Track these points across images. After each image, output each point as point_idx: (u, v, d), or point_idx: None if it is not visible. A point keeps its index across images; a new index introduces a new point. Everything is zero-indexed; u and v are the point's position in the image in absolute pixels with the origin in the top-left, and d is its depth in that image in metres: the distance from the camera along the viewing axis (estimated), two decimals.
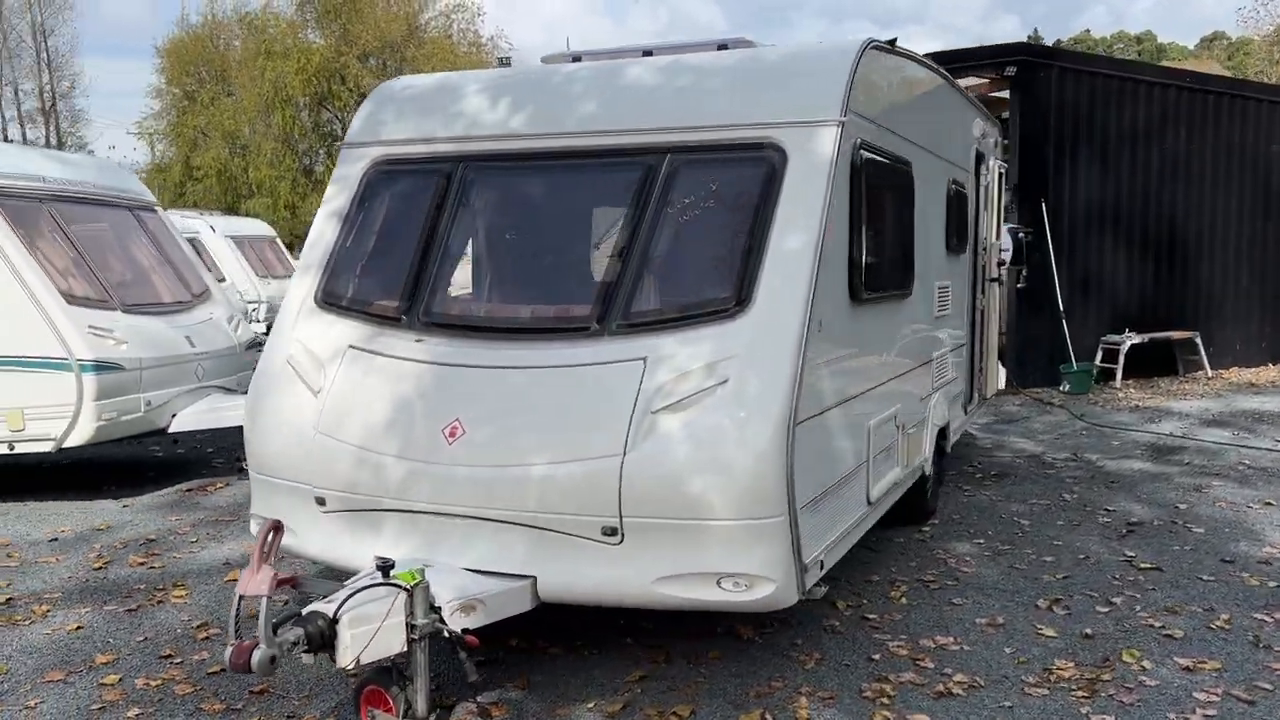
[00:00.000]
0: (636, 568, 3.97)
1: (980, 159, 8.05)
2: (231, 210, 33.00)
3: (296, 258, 14.65)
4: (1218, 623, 5.07)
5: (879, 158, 5.03)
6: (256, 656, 3.24)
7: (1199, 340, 13.22)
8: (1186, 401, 11.72)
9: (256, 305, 18.35)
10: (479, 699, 4.23)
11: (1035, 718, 4.10)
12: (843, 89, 4.44)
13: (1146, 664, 4.60)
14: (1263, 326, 14.30)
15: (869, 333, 5.01)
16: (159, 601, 5.37)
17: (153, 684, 4.33)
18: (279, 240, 23.25)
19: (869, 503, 5.08)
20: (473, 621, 3.84)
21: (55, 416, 7.32)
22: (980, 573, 5.85)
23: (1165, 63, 47.28)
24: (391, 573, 3.65)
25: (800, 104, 4.46)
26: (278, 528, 3.43)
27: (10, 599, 5.45)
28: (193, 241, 15.53)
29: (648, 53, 5.24)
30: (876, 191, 5.02)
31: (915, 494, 6.48)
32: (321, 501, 4.44)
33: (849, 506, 4.79)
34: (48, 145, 44.23)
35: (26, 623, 5.09)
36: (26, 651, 4.73)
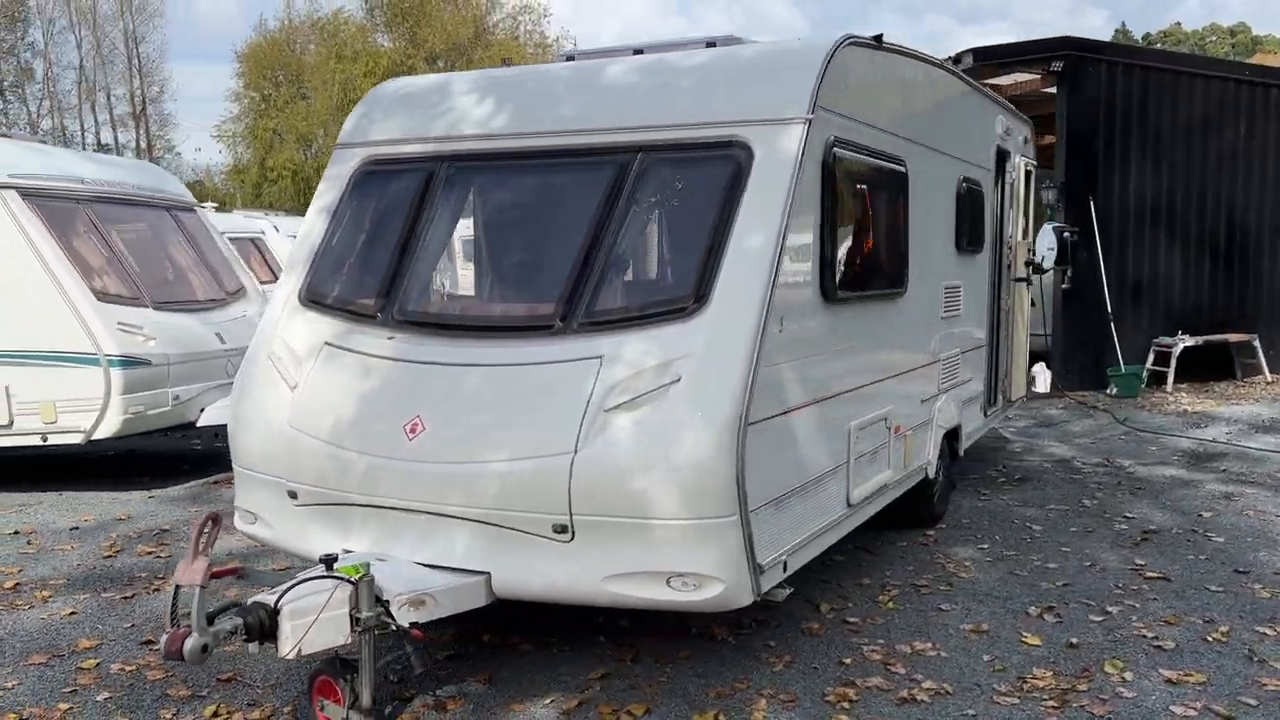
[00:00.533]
0: (587, 565, 3.97)
1: (1004, 157, 7.88)
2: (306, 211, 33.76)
3: None
4: (1215, 635, 4.90)
5: (861, 155, 4.96)
6: (188, 645, 3.33)
7: (1257, 343, 12.76)
8: (1239, 406, 11.32)
9: None
10: (438, 692, 4.28)
11: None
12: (810, 87, 4.39)
13: (1128, 675, 4.47)
14: None
15: (848, 333, 4.94)
16: (155, 590, 5.53)
17: (128, 669, 4.47)
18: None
19: (850, 505, 5.01)
20: (422, 616, 3.88)
21: (84, 410, 7.59)
22: (977, 578, 5.74)
23: (1260, 55, 45.43)
24: (336, 566, 3.71)
25: (767, 102, 4.42)
26: (215, 520, 3.51)
27: (18, 584, 5.67)
28: (255, 241, 15.97)
29: (639, 51, 5.25)
30: (857, 190, 4.95)
31: (917, 497, 6.38)
32: (294, 495, 4.52)
33: (823, 508, 4.73)
34: (137, 148, 45.89)
35: (26, 607, 5.29)
36: (17, 634, 4.91)
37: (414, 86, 5.43)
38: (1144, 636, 4.89)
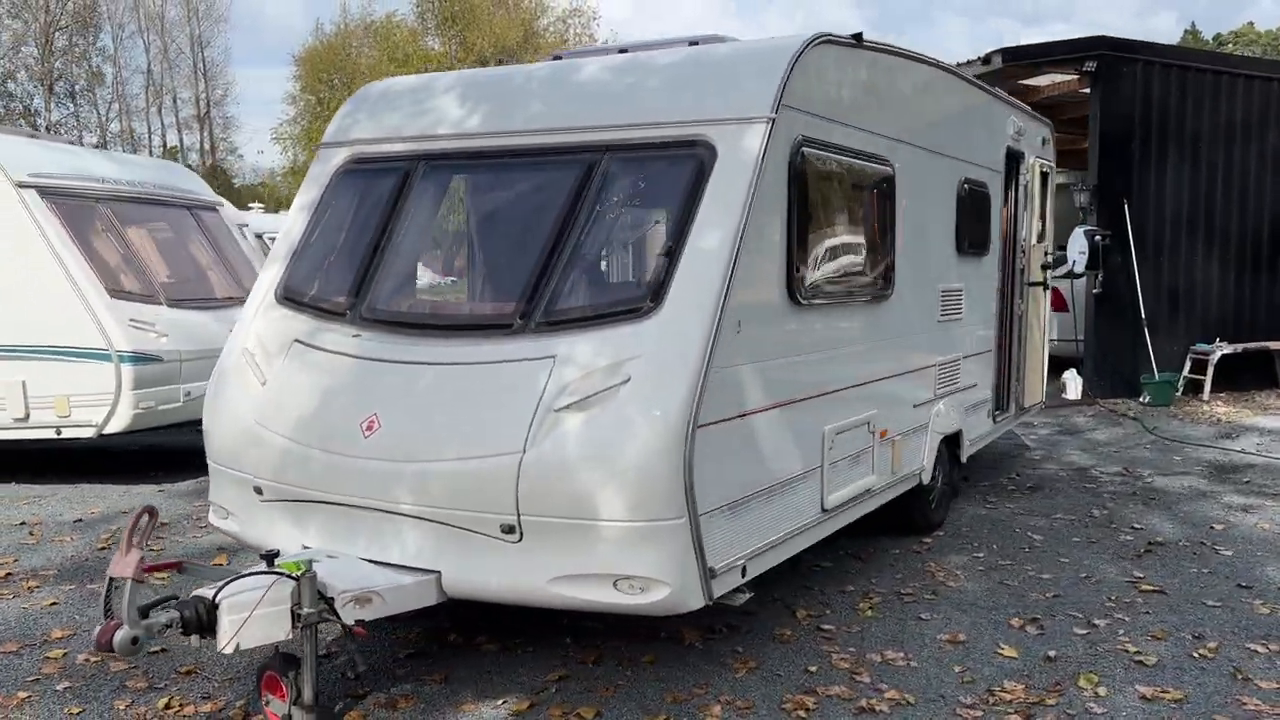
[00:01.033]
0: (534, 567, 3.95)
1: (1017, 158, 7.72)
2: None
3: None
4: (1202, 651, 4.74)
5: (838, 155, 4.88)
6: (118, 637, 3.36)
7: None
8: (1277, 417, 10.97)
9: None
10: (392, 690, 4.28)
11: None
12: (775, 85, 4.32)
13: (1102, 690, 4.33)
14: None
15: (820, 335, 4.85)
16: (137, 582, 5.59)
17: (93, 660, 4.52)
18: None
19: (825, 510, 4.93)
20: (368, 614, 3.88)
21: (96, 404, 7.74)
22: (965, 587, 5.61)
23: None
24: (277, 562, 3.72)
25: (731, 101, 4.36)
26: (151, 513, 3.55)
27: (10, 574, 5.78)
28: None
29: (624, 51, 5.22)
30: (834, 190, 4.87)
31: (912, 503, 6.27)
32: (259, 491, 4.56)
33: (792, 513, 4.65)
34: (201, 150, 46.94)
35: (11, 597, 5.39)
36: None
37: (398, 86, 5.45)
38: (1127, 651, 4.74)
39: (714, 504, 4.02)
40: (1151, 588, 5.60)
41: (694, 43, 5.08)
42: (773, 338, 4.45)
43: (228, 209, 11.34)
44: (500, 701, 4.20)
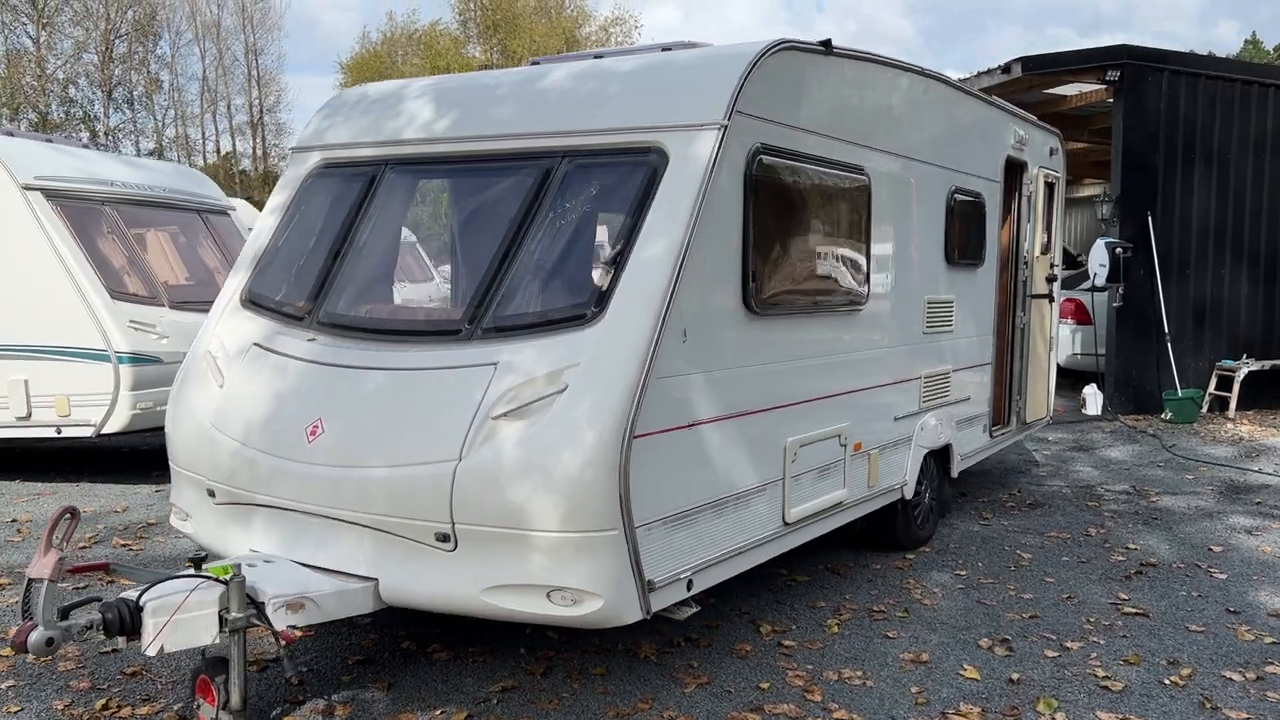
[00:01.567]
0: (468, 576, 3.90)
1: (1019, 168, 7.56)
2: None
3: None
4: (1174, 678, 4.58)
5: (802, 164, 4.79)
6: (32, 638, 3.37)
7: None
8: None
9: None
10: (332, 697, 4.25)
11: None
12: (728, 92, 4.25)
13: (1060, 716, 4.20)
14: None
15: (781, 346, 4.76)
16: (110, 583, 5.64)
17: (42, 660, 4.55)
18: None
19: (786, 524, 4.84)
20: (300, 619, 3.86)
21: (95, 404, 7.84)
22: (940, 606, 5.48)
23: None
24: (205, 566, 3.71)
25: (685, 108, 4.30)
26: (73, 513, 3.55)
27: None
28: None
29: (599, 57, 5.18)
30: (796, 199, 4.79)
31: (894, 519, 6.15)
32: (212, 494, 4.57)
33: (748, 526, 4.56)
34: (254, 155, 47.63)
35: None
36: None
37: (374, 91, 5.45)
38: (1095, 675, 4.59)
39: (654, 515, 3.95)
40: (1134, 610, 5.43)
41: (667, 49, 5.03)
42: (726, 347, 4.37)
43: (241, 213, 11.46)
44: (438, 711, 4.15)
